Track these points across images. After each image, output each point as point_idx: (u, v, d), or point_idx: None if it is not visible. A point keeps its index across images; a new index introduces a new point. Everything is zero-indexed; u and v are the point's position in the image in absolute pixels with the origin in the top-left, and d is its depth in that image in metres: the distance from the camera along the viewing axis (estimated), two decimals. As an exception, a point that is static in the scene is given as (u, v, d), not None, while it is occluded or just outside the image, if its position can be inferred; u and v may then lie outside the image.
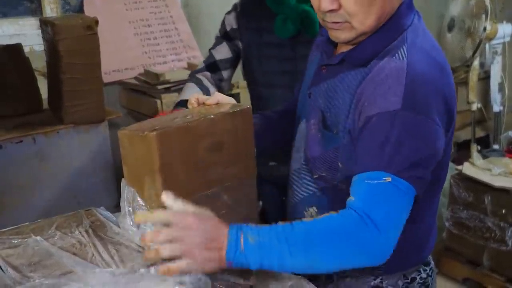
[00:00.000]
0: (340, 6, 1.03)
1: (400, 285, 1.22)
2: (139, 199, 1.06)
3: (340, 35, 1.09)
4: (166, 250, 0.92)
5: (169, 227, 0.92)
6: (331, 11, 1.04)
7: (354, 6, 1.02)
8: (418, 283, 1.25)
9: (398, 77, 1.01)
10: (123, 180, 1.11)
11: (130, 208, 1.08)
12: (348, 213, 0.98)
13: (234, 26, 1.85)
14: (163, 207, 0.99)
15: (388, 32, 1.08)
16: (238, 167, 1.12)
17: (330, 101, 1.13)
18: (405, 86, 1.00)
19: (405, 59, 1.04)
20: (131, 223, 1.09)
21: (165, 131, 1.00)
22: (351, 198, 1.01)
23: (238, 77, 3.12)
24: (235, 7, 1.87)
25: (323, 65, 1.18)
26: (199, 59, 3.05)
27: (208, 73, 1.92)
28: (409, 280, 1.24)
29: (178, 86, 2.68)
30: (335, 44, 1.18)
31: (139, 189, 1.06)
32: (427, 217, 1.24)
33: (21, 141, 2.01)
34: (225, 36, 1.90)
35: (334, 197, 1.16)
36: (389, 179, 0.98)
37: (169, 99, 2.60)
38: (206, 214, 0.97)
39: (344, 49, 1.14)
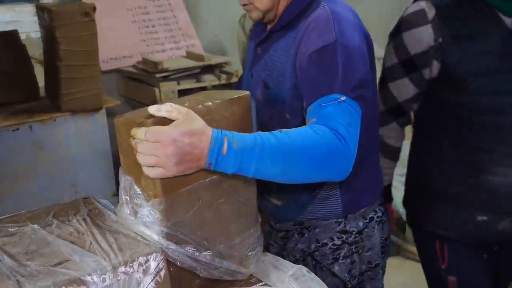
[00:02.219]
0: None
1: (361, 225, 1.37)
2: (136, 187, 1.05)
3: (251, 14, 1.31)
4: (141, 160, 0.97)
5: (147, 142, 0.96)
6: (244, 5, 1.30)
7: None
8: (376, 221, 1.40)
9: (326, 19, 1.18)
10: (120, 168, 1.09)
11: (127, 197, 1.07)
12: (321, 128, 1.06)
13: (432, 43, 1.38)
14: (160, 195, 0.99)
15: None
16: None
17: (270, 69, 1.29)
18: (333, 24, 1.17)
19: (327, 7, 1.21)
20: (129, 212, 1.08)
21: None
22: (313, 120, 1.10)
23: (238, 65, 3.12)
24: (424, 16, 1.38)
25: (257, 46, 1.35)
26: (198, 48, 3.03)
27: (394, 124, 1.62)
28: (367, 220, 1.39)
29: (176, 74, 2.66)
30: (265, 29, 1.36)
31: (136, 178, 1.05)
32: (372, 156, 1.40)
33: (18, 129, 2.00)
34: (408, 64, 1.44)
35: None
36: (343, 98, 1.11)
37: (168, 87, 2.58)
38: (189, 124, 0.97)
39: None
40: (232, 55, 3.21)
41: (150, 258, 0.99)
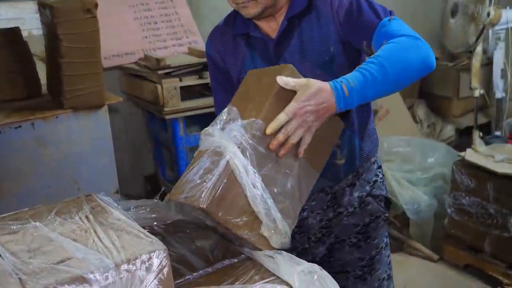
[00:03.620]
0: None
1: (379, 160, 1.68)
2: (239, 116, 1.19)
3: (250, 10, 1.39)
4: (294, 137, 1.19)
5: (289, 122, 1.17)
6: None
7: None
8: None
9: None
10: (229, 105, 1.24)
11: (222, 117, 1.21)
12: (395, 39, 1.29)
13: None
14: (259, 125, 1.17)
15: None
16: None
17: (307, 46, 1.44)
18: None
19: None
20: (218, 127, 1.19)
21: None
22: (384, 42, 1.31)
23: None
24: None
25: (275, 41, 1.46)
26: (200, 44, 3.02)
27: None
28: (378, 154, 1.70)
29: (178, 71, 2.65)
30: (258, 30, 1.48)
31: (240, 112, 1.20)
32: None
33: (20, 126, 2.00)
34: None
35: (345, 120, 1.44)
36: (392, 17, 1.37)
37: (170, 84, 2.57)
38: (306, 91, 1.18)
39: (270, 25, 1.47)
40: (234, 51, 3.19)
41: (153, 255, 0.99)
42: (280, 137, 1.17)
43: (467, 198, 2.87)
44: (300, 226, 1.59)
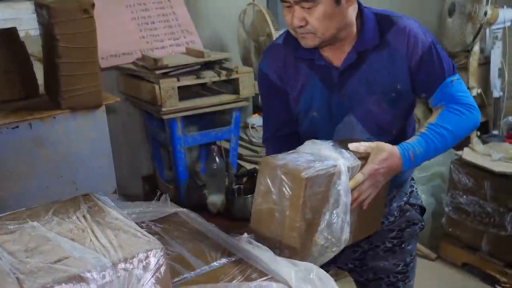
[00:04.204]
0: (307, 22, 1.38)
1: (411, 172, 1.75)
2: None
3: (308, 42, 1.43)
4: (365, 195, 1.35)
5: (364, 183, 1.33)
6: (300, 27, 1.39)
7: (316, 23, 1.38)
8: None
9: (418, 27, 1.49)
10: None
11: None
12: (454, 107, 1.46)
13: None
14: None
15: (368, 19, 1.47)
16: None
17: (374, 79, 1.48)
18: (421, 28, 1.50)
19: (403, 22, 1.48)
20: None
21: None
22: (442, 103, 1.48)
23: (238, 61, 3.11)
24: None
25: (339, 72, 1.48)
26: (197, 44, 3.02)
27: None
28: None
29: (176, 71, 2.65)
30: (320, 55, 1.50)
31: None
32: None
33: (17, 127, 1.99)
34: None
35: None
36: (455, 79, 1.49)
37: (167, 84, 2.57)
38: (380, 154, 1.35)
39: (334, 53, 1.48)
40: (232, 51, 3.20)
41: (150, 254, 0.99)
42: (355, 194, 1.31)
43: (464, 197, 2.88)
44: None
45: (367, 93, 1.48)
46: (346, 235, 1.29)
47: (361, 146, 1.36)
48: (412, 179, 1.74)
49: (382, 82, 1.47)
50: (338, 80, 1.49)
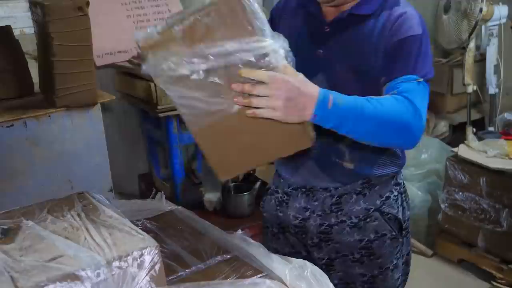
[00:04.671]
0: None
1: (402, 177, 1.61)
2: None
3: None
4: (255, 101, 1.11)
5: (264, 85, 1.10)
6: None
7: None
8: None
9: (416, 15, 1.39)
10: None
11: None
12: (402, 99, 1.25)
13: None
14: None
15: None
16: None
17: (353, 48, 1.39)
18: (420, 21, 1.38)
19: (406, 8, 1.40)
20: None
21: None
22: (394, 92, 1.28)
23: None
24: None
25: (327, 25, 1.42)
26: (192, 42, 3.02)
27: None
28: (402, 173, 1.62)
29: (171, 69, 2.65)
30: (320, 12, 1.44)
31: None
32: None
33: (12, 125, 1.99)
34: None
35: None
36: (420, 79, 1.32)
37: (163, 82, 2.56)
38: (300, 79, 1.14)
39: (335, 11, 1.41)
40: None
41: (145, 252, 0.99)
42: (246, 87, 1.10)
43: (460, 193, 2.89)
44: (301, 227, 1.57)
45: (342, 57, 1.42)
46: None
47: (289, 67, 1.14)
48: (398, 184, 1.58)
49: (358, 51, 1.40)
50: (322, 36, 1.44)
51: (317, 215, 1.55)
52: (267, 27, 1.09)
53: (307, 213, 1.56)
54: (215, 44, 1.08)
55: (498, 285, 2.74)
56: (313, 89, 1.15)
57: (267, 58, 1.08)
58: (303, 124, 1.17)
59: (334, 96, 1.17)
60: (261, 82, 1.09)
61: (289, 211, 1.59)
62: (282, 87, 1.10)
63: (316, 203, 1.55)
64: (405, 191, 1.63)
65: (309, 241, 1.56)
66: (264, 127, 1.15)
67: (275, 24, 1.54)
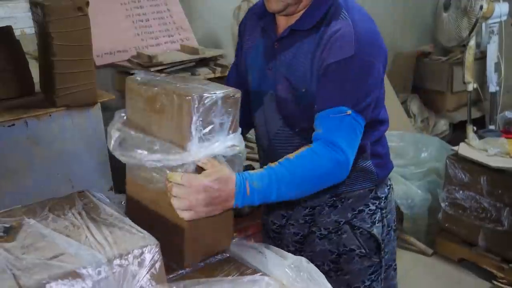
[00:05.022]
0: None
1: (386, 191, 1.53)
2: None
3: (271, 5, 1.34)
4: (175, 203, 1.12)
5: (183, 187, 1.11)
6: None
7: None
8: (392, 187, 1.59)
9: (348, 33, 1.28)
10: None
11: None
12: (321, 149, 1.23)
13: None
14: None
15: (321, 2, 1.34)
16: None
17: (293, 68, 1.35)
18: (354, 39, 1.27)
19: (348, 19, 1.30)
20: None
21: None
22: (319, 130, 1.26)
23: (232, 58, 3.11)
24: None
25: (276, 41, 1.40)
26: (192, 41, 3.02)
27: None
28: (388, 186, 1.55)
29: (171, 68, 2.65)
30: (274, 26, 1.42)
31: None
32: (387, 126, 1.52)
33: (13, 125, 1.99)
34: None
35: None
36: (349, 112, 1.25)
37: (163, 81, 2.57)
38: (217, 173, 1.13)
39: (285, 24, 1.39)
40: (226, 48, 3.20)
41: (145, 250, 0.99)
42: (169, 186, 1.13)
43: (460, 192, 2.89)
44: (278, 233, 1.58)
45: (284, 75, 1.38)
46: None
47: (205, 160, 1.14)
48: (376, 198, 1.50)
49: (297, 70, 1.35)
50: (272, 51, 1.41)
51: (292, 224, 1.54)
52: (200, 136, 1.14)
53: (283, 220, 1.56)
54: (149, 147, 1.17)
55: (499, 284, 2.75)
56: (230, 182, 1.14)
57: (186, 166, 1.13)
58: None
59: (249, 181, 1.16)
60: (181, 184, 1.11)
61: (270, 216, 1.60)
62: (198, 189, 1.11)
63: (291, 212, 1.54)
64: (386, 207, 1.53)
65: (285, 248, 1.51)
66: None
67: (241, 38, 1.55)
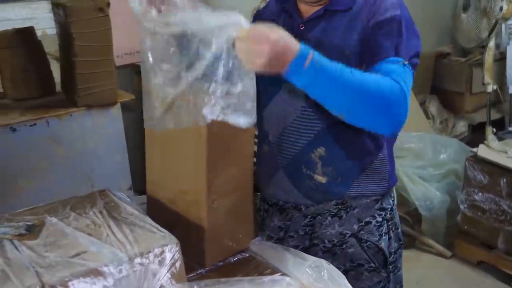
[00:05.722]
0: None
1: (391, 202, 1.45)
2: None
3: None
4: (242, 55, 1.05)
5: (247, 41, 1.04)
6: None
7: None
8: (396, 199, 1.50)
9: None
10: None
11: None
12: (387, 78, 1.15)
13: None
14: None
15: None
16: None
17: (326, 40, 1.29)
18: (397, 2, 1.29)
19: None
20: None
21: None
22: (377, 74, 1.17)
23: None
24: None
25: (302, 23, 1.34)
26: (211, 42, 3.03)
27: None
28: (393, 198, 1.47)
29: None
30: (297, 10, 1.36)
31: None
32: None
33: (35, 124, 2.02)
34: None
35: (339, 132, 1.31)
36: (406, 62, 1.21)
37: (181, 82, 2.59)
38: (285, 34, 1.06)
39: (309, 8, 1.34)
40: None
41: (166, 249, 1.00)
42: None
43: (480, 194, 2.86)
44: None
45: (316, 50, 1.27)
46: None
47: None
48: (383, 209, 1.42)
49: (332, 44, 1.29)
50: (297, 33, 1.29)
51: (291, 236, 1.44)
52: None
53: (281, 233, 1.46)
54: None
55: (518, 287, 2.72)
56: (293, 45, 1.06)
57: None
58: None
59: (314, 53, 1.08)
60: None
61: (266, 230, 1.50)
62: (261, 38, 1.04)
63: (289, 222, 1.44)
64: (392, 219, 1.45)
65: None
66: None
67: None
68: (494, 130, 3.18)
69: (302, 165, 1.35)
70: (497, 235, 2.82)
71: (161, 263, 1.00)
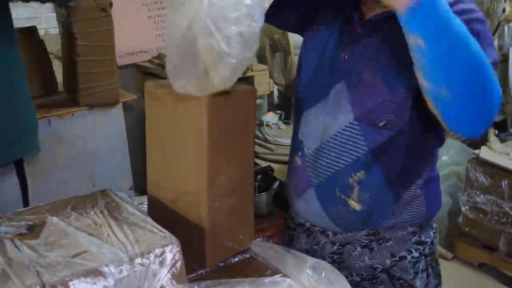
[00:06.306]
0: None
1: (432, 235, 1.31)
2: None
3: None
4: None
5: None
6: None
7: None
8: (436, 231, 1.35)
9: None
10: None
11: None
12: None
13: None
14: None
15: None
16: None
17: (387, 52, 1.13)
18: (474, 6, 1.12)
19: None
20: None
21: None
22: None
23: (253, 59, 3.11)
24: None
25: (360, 26, 1.18)
26: (213, 42, 3.03)
27: None
28: (434, 230, 1.32)
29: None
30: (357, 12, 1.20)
31: None
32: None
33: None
34: None
35: (384, 155, 1.17)
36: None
37: (183, 82, 2.59)
38: None
39: (374, 11, 1.17)
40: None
41: (166, 249, 1.00)
42: None
43: (481, 196, 2.85)
44: None
45: (369, 58, 1.16)
46: None
47: None
48: (421, 243, 1.27)
49: (390, 51, 1.14)
50: (351, 37, 1.20)
51: (323, 259, 1.30)
52: None
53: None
54: None
55: (520, 289, 2.71)
56: None
57: None
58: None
59: None
60: None
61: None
62: None
63: (316, 247, 1.32)
64: (432, 254, 1.30)
65: None
66: None
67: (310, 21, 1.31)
68: (496, 131, 3.17)
69: (336, 187, 1.21)
70: (498, 237, 2.82)
71: (161, 263, 0.99)
